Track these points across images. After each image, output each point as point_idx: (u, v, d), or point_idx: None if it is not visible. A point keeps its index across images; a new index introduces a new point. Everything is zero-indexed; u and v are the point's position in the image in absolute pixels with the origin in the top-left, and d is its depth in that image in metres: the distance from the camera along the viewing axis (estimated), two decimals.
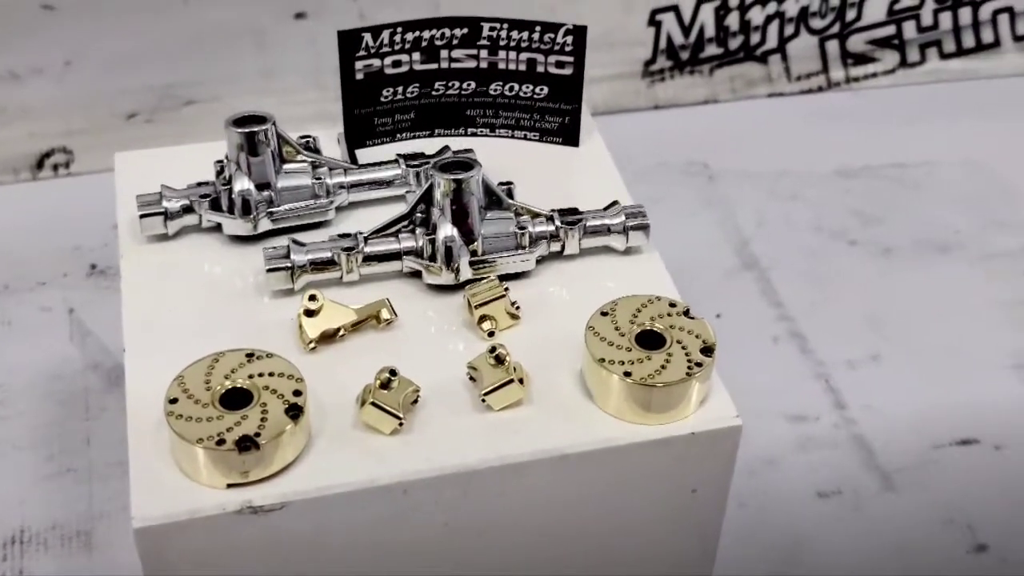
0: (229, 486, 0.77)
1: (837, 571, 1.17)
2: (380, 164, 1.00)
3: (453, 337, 0.90)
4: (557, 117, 1.06)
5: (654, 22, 1.73)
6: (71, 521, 1.18)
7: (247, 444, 0.76)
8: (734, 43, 1.77)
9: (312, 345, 0.87)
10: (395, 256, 0.92)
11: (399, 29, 1.00)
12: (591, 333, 0.85)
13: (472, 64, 1.03)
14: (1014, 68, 1.85)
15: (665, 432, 0.83)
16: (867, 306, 1.47)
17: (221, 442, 0.76)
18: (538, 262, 0.95)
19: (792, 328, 1.43)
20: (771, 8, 1.75)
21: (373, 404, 0.81)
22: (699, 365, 0.83)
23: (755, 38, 1.77)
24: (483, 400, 0.83)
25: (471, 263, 0.92)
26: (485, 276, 0.92)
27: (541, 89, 1.05)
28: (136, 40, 1.56)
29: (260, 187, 0.95)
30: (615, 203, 0.97)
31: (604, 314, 0.87)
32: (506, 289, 0.90)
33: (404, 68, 1.02)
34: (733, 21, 1.75)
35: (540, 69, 1.04)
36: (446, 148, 1.02)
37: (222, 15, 1.57)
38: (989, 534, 1.20)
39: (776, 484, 1.25)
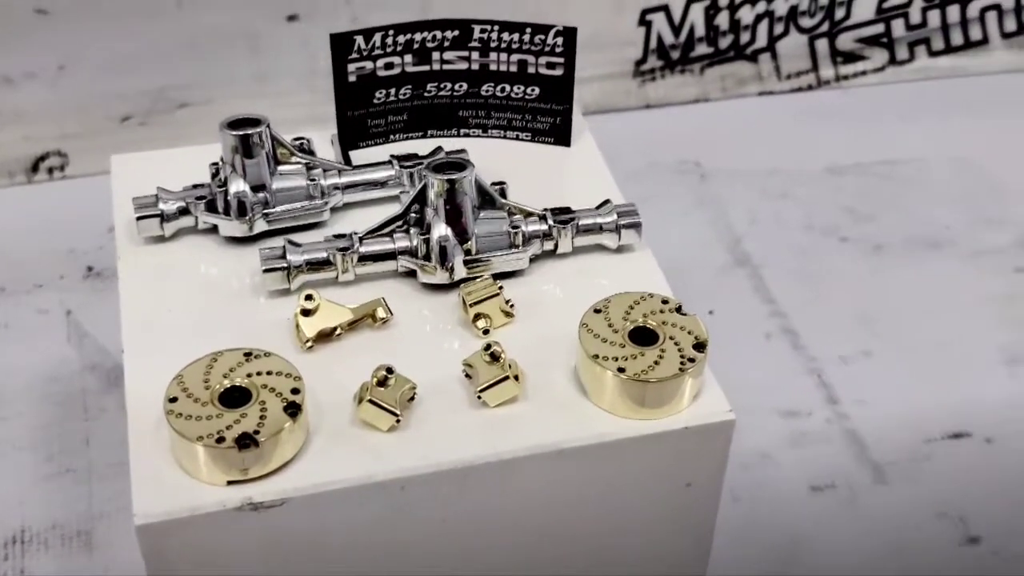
0: (229, 483, 0.78)
1: (831, 564, 1.19)
2: (374, 165, 1.01)
3: (448, 335, 0.91)
4: (548, 117, 1.07)
5: (644, 22, 1.74)
6: (71, 521, 1.19)
7: (247, 441, 0.77)
8: (724, 42, 1.78)
9: (309, 344, 0.88)
10: (390, 256, 0.93)
11: (391, 32, 1.01)
12: (585, 330, 0.86)
13: (464, 66, 1.05)
14: (1002, 65, 1.87)
15: (659, 427, 0.84)
16: (858, 302, 1.48)
17: (221, 440, 0.77)
18: (531, 261, 0.96)
19: (784, 324, 1.44)
20: (760, 7, 1.77)
21: (370, 401, 0.82)
22: (692, 361, 0.84)
23: (745, 37, 1.78)
24: (479, 397, 0.84)
25: (465, 262, 0.93)
26: (479, 275, 0.93)
27: (532, 90, 1.06)
28: (130, 44, 1.57)
29: (255, 189, 0.96)
30: (607, 202, 0.98)
31: (597, 311, 0.88)
32: (500, 287, 0.91)
33: (396, 70, 1.03)
34: (723, 20, 1.76)
35: (531, 70, 1.05)
36: (439, 149, 1.03)
37: (215, 18, 1.58)
38: (981, 526, 1.21)
39: (770, 478, 1.26)
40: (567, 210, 0.97)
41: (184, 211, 0.96)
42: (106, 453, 1.26)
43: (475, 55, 1.04)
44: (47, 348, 1.37)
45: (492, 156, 1.05)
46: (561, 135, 1.08)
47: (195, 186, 0.98)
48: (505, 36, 1.03)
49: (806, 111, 1.80)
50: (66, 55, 1.56)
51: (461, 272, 0.93)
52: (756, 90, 1.81)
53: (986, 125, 1.77)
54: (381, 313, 0.90)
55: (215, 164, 0.98)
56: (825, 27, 1.80)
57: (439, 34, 1.02)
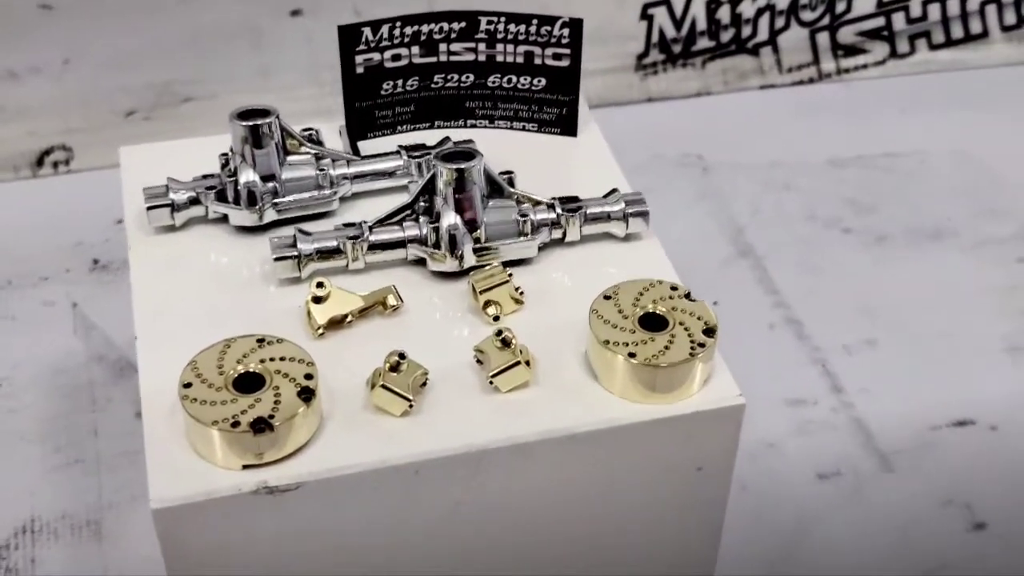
0: (244, 467, 0.79)
1: (839, 552, 1.19)
2: (382, 155, 1.02)
3: (458, 322, 0.92)
4: (555, 108, 1.08)
5: (646, 16, 1.75)
6: (80, 511, 1.19)
7: (262, 426, 0.78)
8: (726, 36, 1.78)
9: (320, 331, 0.89)
10: (400, 244, 0.94)
11: (398, 23, 1.02)
12: (595, 316, 0.87)
13: (470, 57, 1.05)
14: (1002, 58, 1.87)
15: (671, 411, 0.85)
16: (861, 293, 1.49)
17: (236, 424, 0.78)
18: (540, 249, 0.96)
19: (788, 315, 1.45)
20: (761, 1, 1.77)
21: (383, 387, 0.82)
22: (702, 346, 0.85)
23: (746, 31, 1.79)
24: (491, 382, 0.85)
25: (474, 250, 0.93)
26: (488, 263, 0.93)
27: (539, 81, 1.06)
28: (134, 38, 1.58)
29: (265, 179, 0.96)
30: (615, 191, 0.99)
31: (607, 298, 0.88)
32: (510, 275, 0.91)
33: (403, 62, 1.04)
34: (724, 14, 1.77)
35: (537, 61, 1.05)
36: (447, 139, 1.04)
37: (219, 13, 1.59)
38: (987, 513, 1.22)
39: (777, 467, 1.27)
40: (575, 199, 0.98)
41: (194, 201, 0.97)
42: (114, 444, 1.26)
43: (482, 46, 1.04)
44: (54, 340, 1.37)
45: (499, 147, 1.05)
46: (567, 126, 1.09)
47: (205, 176, 0.98)
48: (511, 27, 1.03)
49: (807, 104, 1.81)
50: (71, 50, 1.57)
51: (471, 260, 0.93)
52: (757, 83, 1.81)
53: (987, 118, 1.78)
54: (392, 300, 0.91)
55: (225, 154, 0.99)
56: (826, 21, 1.81)
57: (446, 25, 1.03)
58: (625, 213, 0.97)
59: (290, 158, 0.98)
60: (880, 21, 1.83)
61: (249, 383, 0.81)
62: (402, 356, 0.83)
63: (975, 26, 1.86)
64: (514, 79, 1.06)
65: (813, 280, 1.50)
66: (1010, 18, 1.86)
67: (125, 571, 1.14)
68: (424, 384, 0.85)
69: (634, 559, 0.94)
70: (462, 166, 0.92)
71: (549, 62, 1.05)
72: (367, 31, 1.01)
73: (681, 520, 0.92)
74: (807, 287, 1.49)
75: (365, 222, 0.94)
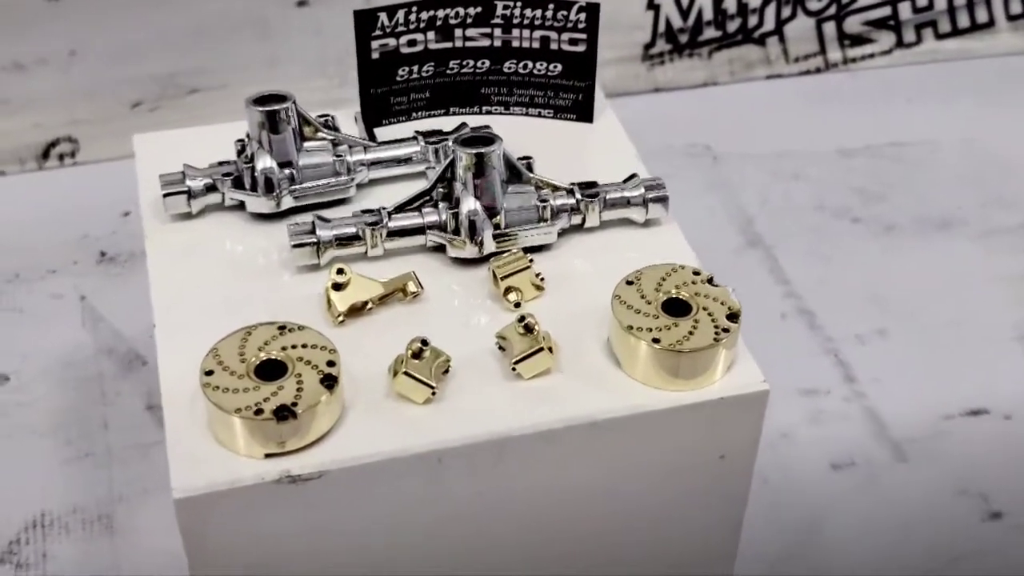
0: (267, 456, 0.78)
1: (854, 541, 1.19)
2: (399, 141, 1.01)
3: (479, 309, 0.91)
4: (571, 94, 1.07)
5: (652, 6, 1.74)
6: (92, 505, 1.18)
7: (285, 413, 0.77)
8: (732, 26, 1.78)
9: (341, 318, 0.88)
10: (419, 230, 0.93)
11: (414, 8, 1.01)
12: (618, 302, 0.86)
13: (486, 43, 1.04)
14: (1008, 47, 1.87)
15: (694, 397, 0.84)
16: (872, 282, 1.48)
17: (259, 411, 0.77)
18: (559, 235, 0.95)
19: (799, 305, 1.45)
20: None
21: (406, 374, 0.81)
22: (726, 331, 0.84)
23: (753, 20, 1.78)
24: (513, 369, 0.84)
25: (494, 236, 0.92)
26: (508, 249, 0.93)
27: (555, 66, 1.06)
28: (140, 29, 1.57)
29: (282, 165, 0.96)
30: (634, 176, 0.98)
31: (629, 283, 0.88)
32: (531, 260, 0.91)
33: (419, 47, 1.03)
34: (731, 4, 1.76)
35: (553, 46, 1.05)
36: (464, 125, 1.03)
37: (226, 3, 1.58)
38: (1003, 502, 1.21)
39: (791, 457, 1.26)
40: (594, 184, 0.97)
41: (211, 188, 0.96)
42: (124, 437, 1.25)
43: (497, 31, 1.04)
44: (62, 333, 1.37)
45: (514, 133, 1.04)
46: (583, 111, 1.08)
47: (221, 163, 0.97)
48: (528, 12, 1.03)
49: (814, 94, 1.80)
50: (76, 41, 1.56)
51: (490, 246, 0.92)
52: (764, 73, 1.81)
53: (994, 107, 1.77)
54: (412, 287, 0.90)
55: (240, 141, 0.98)
56: (832, 10, 1.80)
57: (462, 11, 1.02)
58: (645, 198, 0.96)
59: (307, 144, 0.97)
60: (887, 10, 1.82)
61: (271, 370, 0.80)
62: (425, 343, 0.82)
63: (981, 15, 1.85)
64: (530, 65, 1.05)
65: (823, 270, 1.50)
66: (1016, 7, 1.86)
67: (138, 565, 1.14)
68: (446, 371, 0.84)
69: (656, 547, 0.93)
70: (482, 151, 0.91)
71: (565, 47, 1.04)
72: (383, 16, 1.00)
73: (703, 508, 0.91)
74: (817, 277, 1.49)
75: (384, 208, 0.93)
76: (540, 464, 0.84)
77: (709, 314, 0.85)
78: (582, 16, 1.03)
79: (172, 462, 0.78)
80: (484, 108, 1.08)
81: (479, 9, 1.02)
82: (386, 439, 0.80)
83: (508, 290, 0.90)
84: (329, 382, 0.79)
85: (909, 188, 1.63)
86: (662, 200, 0.97)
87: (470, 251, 0.92)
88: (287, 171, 0.96)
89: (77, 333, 1.36)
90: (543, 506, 0.87)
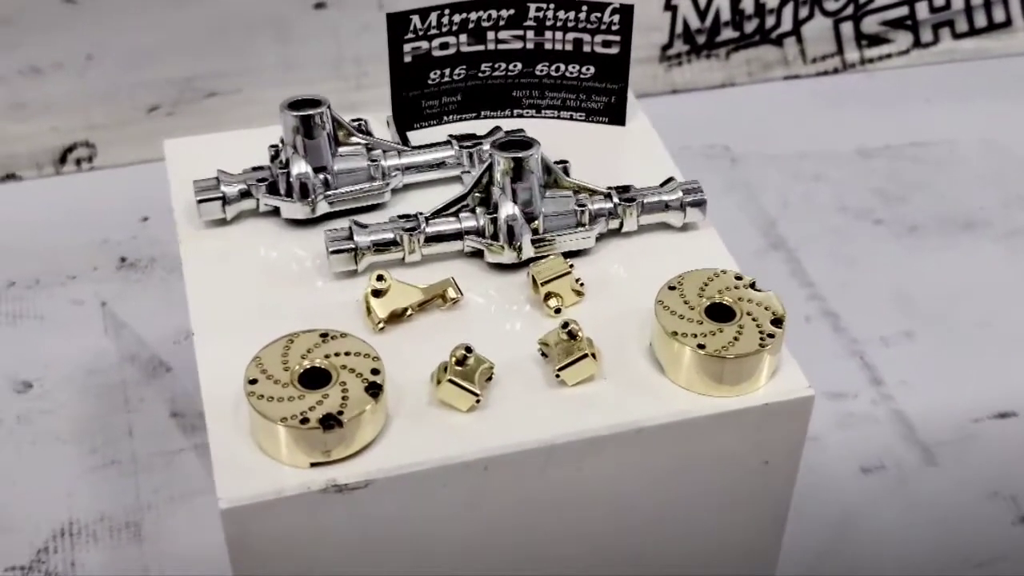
0: (312, 465, 0.77)
1: (886, 545, 1.18)
2: (433, 145, 1.00)
3: (518, 315, 0.90)
4: (603, 96, 1.06)
5: (670, 7, 1.73)
6: (119, 513, 1.17)
7: (331, 422, 0.76)
8: (749, 26, 1.77)
9: (381, 325, 0.87)
10: (456, 236, 0.92)
11: (446, 11, 1.00)
12: (661, 307, 0.85)
13: (519, 45, 1.03)
14: None
15: (740, 403, 0.83)
16: (896, 284, 1.47)
17: (305, 420, 0.76)
18: (597, 240, 0.95)
19: (823, 307, 1.44)
20: None
21: (450, 381, 0.81)
22: (771, 336, 0.84)
23: (770, 21, 1.78)
24: (557, 376, 0.83)
25: (532, 241, 0.92)
26: (546, 254, 0.92)
27: (587, 69, 1.05)
28: (157, 33, 1.56)
29: (317, 170, 0.95)
30: (671, 179, 0.97)
31: (672, 288, 0.87)
32: (571, 266, 0.90)
33: (451, 50, 1.02)
34: (748, 4, 1.75)
35: (587, 49, 1.04)
36: (497, 128, 1.02)
37: (243, 6, 1.57)
38: None
39: (820, 461, 1.25)
40: (631, 188, 0.96)
41: (245, 194, 0.95)
42: (150, 444, 1.24)
43: (530, 34, 1.03)
44: (84, 340, 1.35)
45: (546, 136, 1.03)
46: (616, 114, 1.07)
47: (255, 168, 0.96)
48: (561, 14, 1.02)
49: (832, 95, 1.79)
50: (93, 45, 1.55)
51: (529, 251, 0.91)
52: (782, 74, 1.80)
53: (1013, 106, 1.77)
54: (452, 293, 0.89)
55: (274, 146, 0.97)
56: (850, 10, 1.80)
57: (494, 13, 1.01)
58: (683, 202, 0.95)
59: (341, 149, 0.96)
60: (904, 10, 1.82)
61: (315, 378, 0.79)
62: (469, 350, 0.81)
63: (998, 14, 1.85)
64: (562, 67, 1.04)
65: (847, 272, 1.49)
66: None
67: (167, 573, 1.13)
68: (490, 378, 0.83)
69: (698, 551, 0.92)
70: (520, 155, 0.90)
71: (598, 49, 1.03)
72: (415, 19, 0.99)
73: (746, 513, 0.91)
74: (841, 279, 1.48)
75: (421, 213, 0.92)
76: (585, 471, 0.83)
77: (753, 319, 0.85)
78: (616, 18, 1.02)
79: (217, 471, 0.77)
80: (515, 111, 1.07)
81: (512, 11, 1.01)
82: (432, 447, 0.79)
83: (548, 296, 0.89)
84: (374, 390, 0.78)
85: (930, 189, 1.62)
86: (700, 204, 0.96)
87: (508, 256, 0.91)
88: (322, 176, 0.95)
89: (99, 340, 1.35)
90: (586, 512, 0.86)
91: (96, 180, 1.58)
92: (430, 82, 1.03)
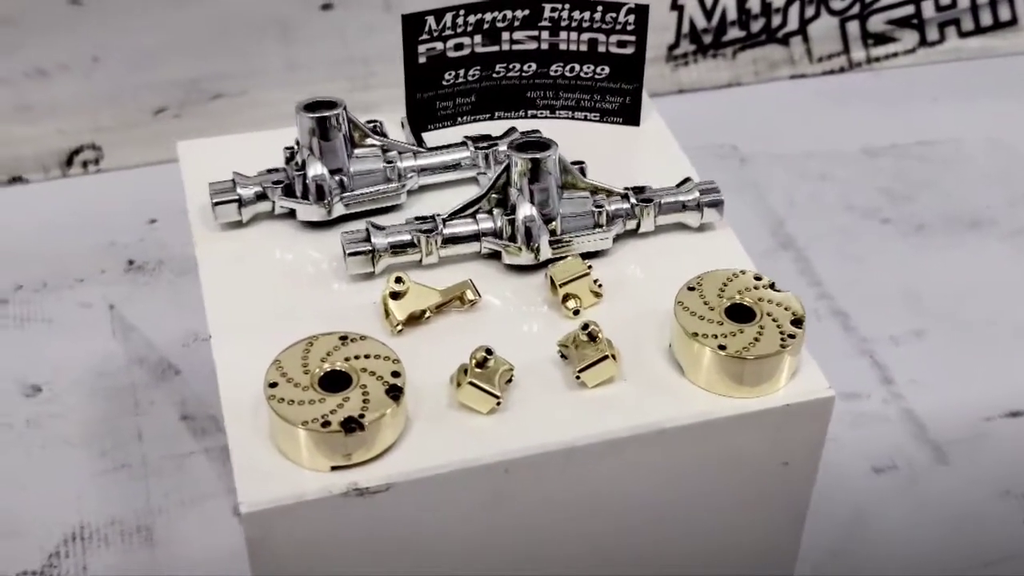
0: (332, 468, 0.77)
1: (899, 544, 1.18)
2: (448, 147, 1.00)
3: (536, 316, 0.90)
4: (618, 97, 1.06)
5: (676, 6, 1.73)
6: (130, 517, 1.17)
7: (353, 426, 0.76)
8: (756, 26, 1.77)
9: (399, 327, 0.87)
10: (474, 237, 0.92)
11: (461, 12, 1.00)
12: (681, 308, 0.85)
13: (533, 45, 1.03)
14: None
15: (761, 405, 0.83)
16: (904, 283, 1.47)
17: (326, 424, 0.76)
18: (614, 240, 0.94)
19: (833, 306, 1.44)
20: None
21: (471, 384, 0.80)
22: (792, 337, 0.83)
23: (776, 20, 1.77)
24: (577, 377, 0.83)
25: (550, 242, 0.91)
26: (564, 255, 0.91)
27: (602, 69, 1.04)
28: (163, 35, 1.55)
29: (333, 172, 0.94)
30: (688, 180, 0.97)
31: (691, 289, 0.86)
32: (590, 267, 0.89)
33: (466, 51, 1.02)
34: (755, 4, 1.75)
35: (601, 49, 1.03)
36: (513, 129, 1.02)
37: (248, 8, 1.56)
38: None
39: (832, 461, 1.25)
40: (646, 189, 0.96)
41: (261, 196, 0.94)
42: (160, 447, 1.24)
43: (545, 34, 1.02)
44: (92, 343, 1.35)
45: (560, 137, 1.02)
46: (630, 115, 1.07)
47: (270, 170, 0.96)
48: (576, 14, 1.01)
49: (839, 94, 1.79)
50: (99, 47, 1.54)
51: (547, 253, 0.91)
52: (788, 73, 1.80)
53: (1018, 105, 1.77)
54: (470, 295, 0.89)
55: (289, 148, 0.96)
56: (856, 9, 1.79)
57: (509, 13, 1.01)
58: (700, 202, 0.95)
59: (357, 151, 0.96)
60: (910, 9, 1.81)
61: (335, 382, 0.79)
62: (489, 352, 0.81)
63: (1004, 13, 1.85)
64: (577, 67, 1.04)
65: (855, 271, 1.49)
66: None
67: None
68: (510, 380, 0.83)
69: (717, 553, 0.92)
70: (537, 156, 0.90)
71: (613, 50, 1.03)
72: (430, 20, 0.99)
73: (765, 513, 0.91)
74: (850, 278, 1.48)
75: (438, 215, 0.92)
76: (605, 472, 0.82)
77: (774, 320, 0.84)
78: (631, 18, 1.01)
79: (238, 475, 0.77)
80: (529, 112, 1.07)
81: (527, 12, 1.01)
82: (452, 450, 0.79)
83: (567, 297, 0.89)
84: (395, 393, 0.78)
85: (937, 187, 1.62)
86: (717, 204, 0.96)
87: (526, 258, 0.91)
88: (338, 178, 0.94)
89: (108, 343, 1.35)
90: (606, 513, 0.86)
91: (103, 182, 1.57)
92: (444, 83, 1.03)
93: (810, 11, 1.78)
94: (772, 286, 0.87)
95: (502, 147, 0.99)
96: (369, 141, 0.97)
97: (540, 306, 0.90)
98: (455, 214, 0.92)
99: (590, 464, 0.81)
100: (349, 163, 0.95)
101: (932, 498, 1.22)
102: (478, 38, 1.01)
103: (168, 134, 1.54)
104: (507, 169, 0.91)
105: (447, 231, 0.91)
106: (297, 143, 0.95)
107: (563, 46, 1.03)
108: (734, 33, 1.76)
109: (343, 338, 0.81)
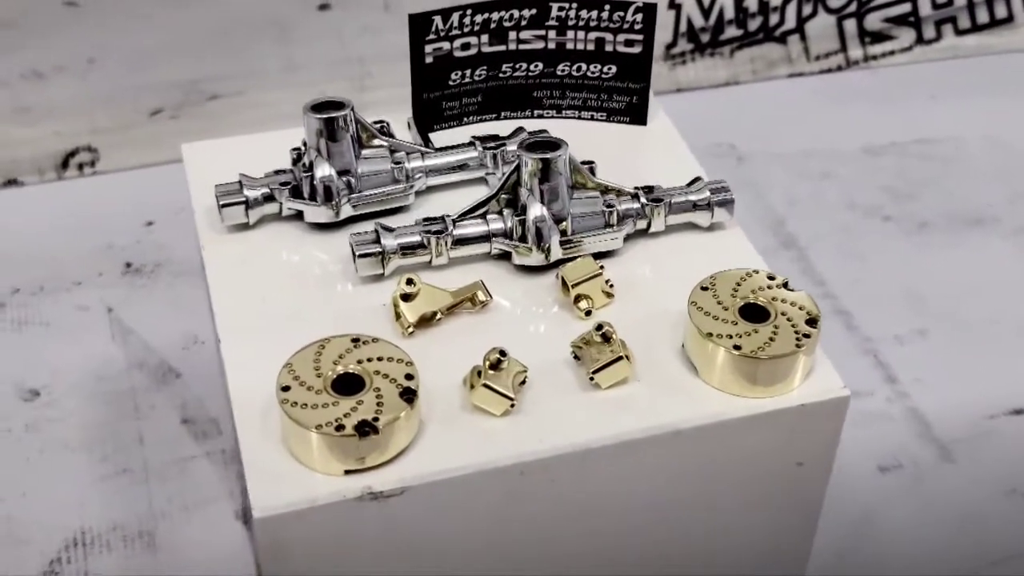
0: (346, 472, 0.76)
1: (905, 543, 1.17)
2: (456, 147, 0.99)
3: (547, 317, 0.89)
4: (625, 96, 1.05)
5: (674, 5, 1.72)
6: (132, 522, 1.16)
7: (367, 429, 0.75)
8: (753, 24, 1.76)
9: (411, 329, 0.86)
10: (484, 238, 0.91)
11: (468, 11, 0.99)
12: (695, 308, 0.84)
13: (540, 45, 1.02)
14: None
15: (775, 405, 0.82)
16: (907, 281, 1.47)
17: (340, 427, 0.75)
18: (624, 240, 0.93)
19: (836, 305, 1.43)
20: None
21: (485, 386, 0.79)
22: (807, 336, 0.83)
23: (774, 19, 1.77)
24: (591, 379, 0.82)
25: (561, 243, 0.90)
26: (574, 255, 0.91)
27: (609, 68, 1.04)
28: (159, 36, 1.54)
29: (340, 173, 0.93)
30: (698, 179, 0.96)
31: (705, 289, 0.86)
32: (602, 267, 0.89)
33: (472, 51, 1.01)
34: (752, 2, 1.75)
35: (609, 48, 1.03)
36: (520, 129, 1.01)
37: (246, 8, 1.55)
38: None
39: (838, 460, 1.24)
40: (655, 188, 0.95)
41: (268, 197, 0.93)
42: (161, 451, 1.23)
43: (552, 33, 1.02)
44: (91, 346, 1.34)
45: (567, 137, 1.02)
46: (637, 114, 1.06)
47: (277, 172, 0.95)
48: (583, 13, 1.01)
49: (836, 92, 1.79)
50: (96, 48, 1.53)
51: (557, 253, 0.90)
52: (786, 72, 1.79)
53: (1015, 103, 1.76)
54: (481, 296, 0.88)
55: (296, 149, 0.95)
56: (853, 7, 1.79)
57: (516, 13, 1.00)
58: (710, 202, 0.94)
59: (364, 151, 0.95)
60: (907, 7, 1.81)
61: (348, 385, 0.78)
62: (503, 354, 0.80)
63: (1000, 11, 1.84)
64: (584, 67, 1.03)
65: (858, 269, 1.48)
66: None
67: None
68: (523, 382, 0.82)
69: (729, 552, 0.92)
70: (548, 156, 0.89)
71: (620, 49, 1.02)
72: (437, 19, 0.98)
73: (778, 513, 0.90)
74: (852, 277, 1.47)
75: (448, 216, 0.91)
76: (620, 473, 0.82)
77: (788, 319, 0.84)
78: (639, 17, 1.01)
79: (251, 480, 0.76)
80: (536, 112, 1.06)
81: (534, 11, 1.00)
82: (467, 453, 0.78)
83: (579, 298, 0.88)
84: (409, 396, 0.77)
85: (938, 185, 1.61)
86: (727, 204, 0.95)
87: (536, 258, 0.90)
88: (345, 179, 0.93)
89: (106, 346, 1.34)
90: (619, 513, 0.85)
91: (99, 185, 1.56)
92: (451, 83, 1.02)
93: (807, 9, 1.77)
94: (786, 285, 0.87)
95: (510, 147, 0.98)
96: (377, 142, 0.96)
97: (551, 307, 0.90)
98: (465, 215, 0.91)
99: (605, 465, 0.81)
100: (357, 164, 0.94)
101: (938, 497, 1.22)
102: (485, 38, 1.00)
103: (165, 135, 1.53)
104: (517, 169, 0.90)
105: (457, 232, 0.91)
106: (304, 144, 0.94)
107: (570, 45, 1.02)
108: (731, 32, 1.75)
109: (355, 340, 0.81)
